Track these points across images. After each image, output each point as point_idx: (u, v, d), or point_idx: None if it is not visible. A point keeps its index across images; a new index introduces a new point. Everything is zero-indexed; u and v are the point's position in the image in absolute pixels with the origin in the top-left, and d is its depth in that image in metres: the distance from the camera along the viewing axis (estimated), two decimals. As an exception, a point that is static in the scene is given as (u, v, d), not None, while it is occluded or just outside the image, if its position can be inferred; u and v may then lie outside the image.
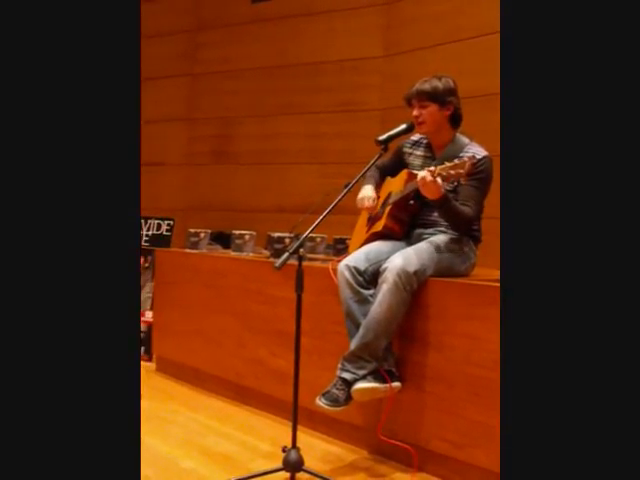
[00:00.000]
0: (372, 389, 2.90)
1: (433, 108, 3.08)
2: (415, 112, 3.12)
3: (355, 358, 2.92)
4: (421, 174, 2.85)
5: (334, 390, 2.92)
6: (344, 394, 2.91)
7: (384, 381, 2.91)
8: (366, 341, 2.89)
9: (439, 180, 2.82)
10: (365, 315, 2.94)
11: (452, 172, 2.77)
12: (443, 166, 2.80)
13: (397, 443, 2.97)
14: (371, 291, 2.99)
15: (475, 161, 2.75)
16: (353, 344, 2.93)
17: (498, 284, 2.71)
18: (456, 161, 2.78)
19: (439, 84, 3.08)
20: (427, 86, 3.08)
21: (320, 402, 2.91)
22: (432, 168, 2.84)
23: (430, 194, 2.86)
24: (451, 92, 3.10)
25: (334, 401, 2.90)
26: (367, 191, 3.30)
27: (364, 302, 2.98)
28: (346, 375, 2.93)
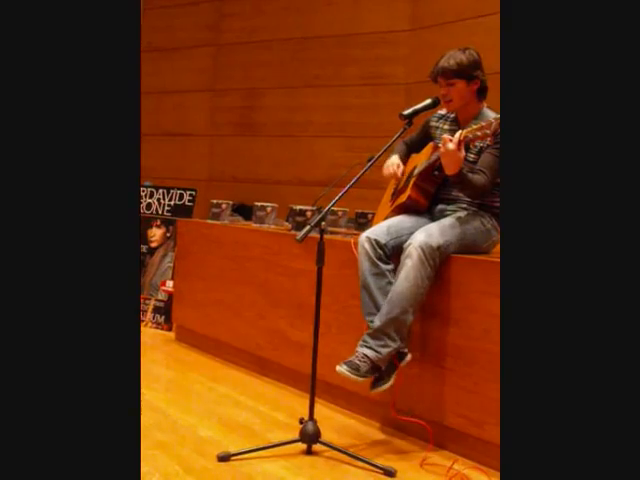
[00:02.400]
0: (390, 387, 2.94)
1: (461, 85, 3.02)
2: (443, 91, 3.06)
3: (379, 334, 2.88)
4: (444, 138, 2.82)
5: (356, 360, 2.90)
6: (366, 366, 2.88)
7: (395, 368, 2.93)
8: (392, 316, 2.86)
9: (463, 153, 2.80)
10: (381, 289, 2.94)
11: (479, 133, 2.76)
12: (469, 129, 2.79)
13: (411, 419, 2.97)
14: (390, 266, 2.98)
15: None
16: (378, 320, 2.90)
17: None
18: (482, 123, 2.77)
19: (463, 58, 3.01)
20: (452, 62, 3.00)
21: (341, 368, 2.85)
22: (457, 133, 2.82)
23: (450, 164, 2.82)
24: (476, 65, 3.04)
25: (355, 369, 2.86)
26: (394, 159, 3.29)
27: (381, 276, 2.97)
28: (367, 352, 2.89)
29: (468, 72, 3.01)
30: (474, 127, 2.78)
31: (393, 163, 3.26)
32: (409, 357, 2.97)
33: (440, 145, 2.89)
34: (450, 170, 2.84)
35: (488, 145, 2.94)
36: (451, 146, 2.79)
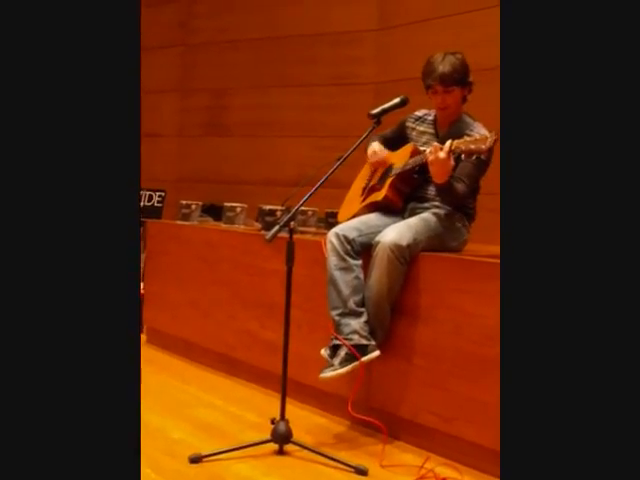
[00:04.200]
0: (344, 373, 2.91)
1: (457, 92, 3.02)
2: (439, 99, 3.03)
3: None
4: (435, 146, 2.79)
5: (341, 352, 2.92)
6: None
7: (355, 359, 2.90)
8: (372, 315, 2.95)
9: (452, 162, 2.79)
10: (347, 283, 2.95)
11: (472, 147, 2.72)
12: (462, 140, 2.76)
13: (366, 418, 2.97)
14: (358, 261, 2.99)
15: (497, 137, 2.64)
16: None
17: (489, 259, 2.72)
18: (477, 136, 2.76)
19: (458, 64, 2.98)
20: (450, 69, 2.95)
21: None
22: (448, 142, 2.78)
23: (439, 174, 2.81)
24: (468, 70, 3.03)
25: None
26: (376, 145, 3.25)
27: (349, 270, 2.98)
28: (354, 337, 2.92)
29: (465, 79, 3.02)
30: (467, 139, 2.75)
31: (377, 149, 3.22)
32: (375, 354, 2.95)
33: (427, 152, 2.88)
34: (439, 179, 2.83)
35: None
36: (442, 155, 2.76)
